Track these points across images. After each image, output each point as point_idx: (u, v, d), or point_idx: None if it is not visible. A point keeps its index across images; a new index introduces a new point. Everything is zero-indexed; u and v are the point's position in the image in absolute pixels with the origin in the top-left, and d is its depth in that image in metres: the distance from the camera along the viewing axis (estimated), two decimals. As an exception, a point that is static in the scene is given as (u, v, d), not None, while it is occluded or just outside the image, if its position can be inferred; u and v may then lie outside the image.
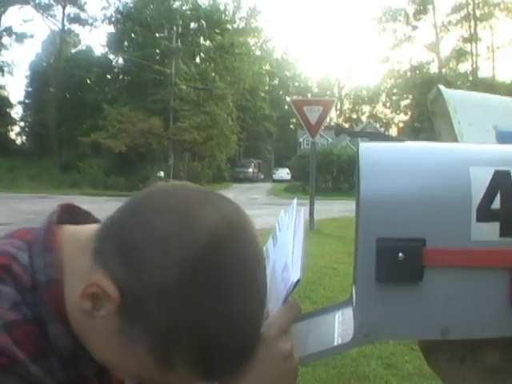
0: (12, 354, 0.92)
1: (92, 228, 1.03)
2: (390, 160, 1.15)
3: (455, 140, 1.67)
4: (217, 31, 59.50)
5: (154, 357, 0.94)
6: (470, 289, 1.11)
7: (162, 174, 43.48)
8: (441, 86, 1.83)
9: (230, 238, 0.94)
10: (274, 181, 67.63)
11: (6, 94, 61.46)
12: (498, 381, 1.28)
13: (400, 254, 1.07)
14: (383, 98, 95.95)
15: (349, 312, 1.31)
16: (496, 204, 1.09)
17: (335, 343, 1.21)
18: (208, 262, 0.91)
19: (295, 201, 1.32)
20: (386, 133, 78.43)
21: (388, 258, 1.08)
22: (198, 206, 0.96)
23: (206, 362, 0.95)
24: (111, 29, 61.30)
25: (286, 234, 1.19)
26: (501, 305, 1.12)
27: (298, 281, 1.03)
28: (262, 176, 74.28)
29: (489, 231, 1.10)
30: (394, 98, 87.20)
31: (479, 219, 1.09)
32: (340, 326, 1.31)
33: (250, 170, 68.72)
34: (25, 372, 0.94)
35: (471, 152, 1.22)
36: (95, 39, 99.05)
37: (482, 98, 1.96)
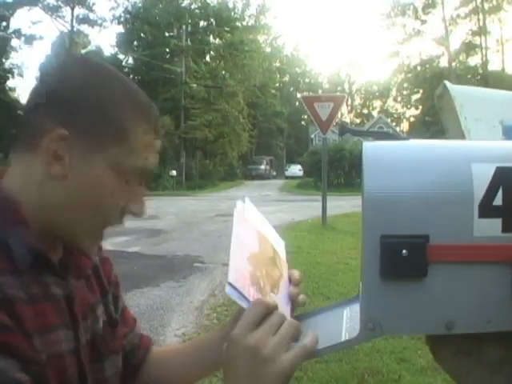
0: None
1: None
2: (393, 158, 1.17)
3: (462, 135, 1.68)
4: (226, 29, 59.48)
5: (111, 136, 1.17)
6: (474, 283, 1.13)
7: (174, 172, 43.47)
8: (447, 82, 1.84)
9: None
10: (287, 177, 67.60)
11: (16, 96, 61.54)
12: (504, 374, 1.29)
13: (404, 251, 1.09)
14: (394, 92, 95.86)
15: (357, 308, 1.33)
16: (498, 200, 1.11)
17: (342, 339, 1.23)
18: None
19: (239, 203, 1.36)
20: (397, 127, 78.21)
21: (392, 254, 1.09)
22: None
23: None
24: (120, 29, 61.56)
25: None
26: (504, 299, 1.13)
27: (229, 284, 1.07)
28: (274, 173, 74.22)
29: (491, 227, 1.11)
30: (404, 92, 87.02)
31: (481, 215, 1.10)
32: (348, 321, 1.33)
33: (262, 166, 68.63)
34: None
35: (473, 148, 1.23)
36: (104, 39, 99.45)
37: (488, 94, 1.96)
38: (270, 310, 1.09)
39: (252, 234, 1.30)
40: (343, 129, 1.72)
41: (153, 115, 1.25)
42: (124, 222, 1.26)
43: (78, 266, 1.28)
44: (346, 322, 1.33)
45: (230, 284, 1.07)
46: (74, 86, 1.16)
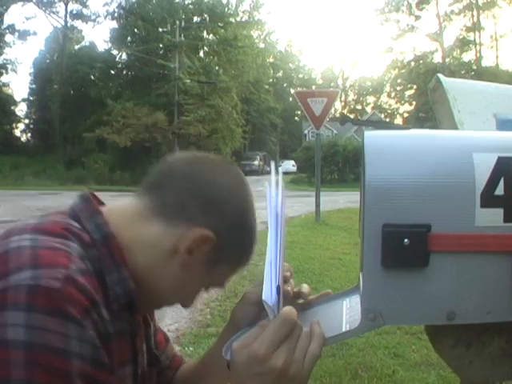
0: (92, 295, 1.05)
1: (122, 204, 1.28)
2: (395, 147, 1.16)
3: (455, 128, 1.68)
4: (220, 25, 59.28)
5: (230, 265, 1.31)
6: (475, 273, 1.13)
7: (167, 168, 43.41)
8: (440, 75, 1.84)
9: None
10: (280, 173, 67.51)
11: (10, 91, 61.38)
12: (504, 365, 1.29)
13: (405, 240, 1.09)
14: (387, 88, 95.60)
15: (356, 299, 1.33)
16: (500, 190, 1.11)
17: (343, 329, 1.23)
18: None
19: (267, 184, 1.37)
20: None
21: (394, 243, 1.09)
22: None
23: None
24: (114, 24, 61.24)
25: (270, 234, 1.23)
26: (505, 289, 1.13)
27: (278, 287, 1.10)
28: (268, 168, 73.96)
29: (493, 217, 1.11)
30: (398, 88, 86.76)
31: (483, 205, 1.10)
32: (348, 312, 1.32)
33: (256, 162, 68.49)
34: (97, 316, 1.06)
35: (474, 138, 1.23)
36: (98, 35, 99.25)
37: (481, 87, 1.97)
38: (294, 326, 1.10)
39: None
40: (344, 118, 1.72)
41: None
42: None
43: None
44: (345, 312, 1.33)
45: (278, 287, 1.11)
46: (233, 200, 1.28)
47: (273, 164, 1.41)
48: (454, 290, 1.12)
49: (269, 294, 1.10)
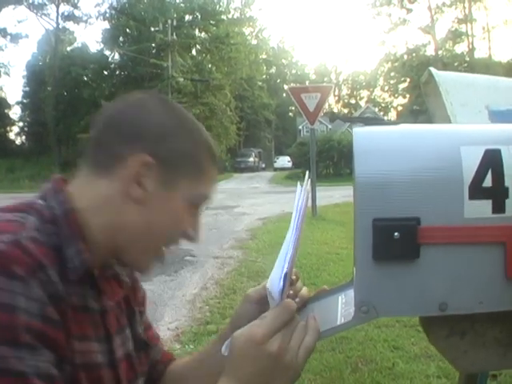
0: (38, 258, 1.08)
1: (82, 179, 1.30)
2: (383, 143, 1.18)
3: (448, 121, 1.70)
4: (212, 22, 59.32)
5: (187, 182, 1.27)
6: (466, 264, 1.14)
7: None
8: (432, 68, 1.86)
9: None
10: (276, 169, 67.62)
11: (3, 94, 61.50)
12: (498, 354, 1.31)
13: (396, 233, 1.10)
14: (381, 82, 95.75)
15: (351, 293, 1.34)
16: (487, 182, 1.12)
17: (338, 323, 1.25)
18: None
19: (299, 185, 1.36)
20: (385, 117, 78.24)
21: (384, 237, 1.11)
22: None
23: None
24: (106, 25, 61.30)
25: (291, 226, 1.24)
26: (496, 279, 1.15)
27: (285, 274, 1.10)
28: (263, 165, 74.17)
29: (481, 208, 1.12)
30: (391, 81, 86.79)
31: (471, 197, 1.12)
32: (343, 306, 1.34)
33: (251, 159, 68.55)
34: (45, 276, 1.08)
35: (461, 132, 1.25)
36: (90, 36, 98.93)
37: (473, 79, 1.98)
38: (292, 316, 1.14)
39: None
40: (333, 115, 1.74)
41: (215, 150, 1.37)
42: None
43: (111, 292, 1.34)
44: (341, 306, 1.35)
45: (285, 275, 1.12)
46: (159, 121, 1.26)
47: (307, 173, 1.40)
48: (446, 281, 1.14)
49: (275, 282, 1.13)
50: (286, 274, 1.11)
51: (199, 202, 1.32)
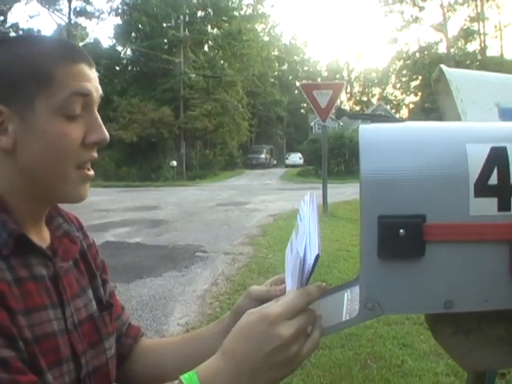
0: None
1: None
2: (389, 140, 1.18)
3: (459, 118, 1.69)
4: (224, 19, 59.32)
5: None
6: (471, 262, 1.14)
7: (174, 163, 43.41)
8: (443, 66, 1.85)
9: None
10: (287, 166, 67.55)
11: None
12: (503, 352, 1.31)
13: (401, 231, 1.10)
14: (393, 79, 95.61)
15: (357, 290, 1.34)
16: (493, 180, 1.12)
17: (343, 319, 1.25)
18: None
19: (308, 194, 1.36)
20: (397, 115, 78.09)
21: (389, 234, 1.11)
22: None
23: None
24: (118, 20, 61.43)
25: (303, 223, 1.24)
26: (501, 277, 1.15)
27: (318, 256, 1.07)
28: (275, 162, 74.17)
29: (487, 206, 1.12)
30: (403, 79, 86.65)
31: (477, 195, 1.12)
32: (349, 303, 1.34)
33: (263, 155, 68.56)
34: None
35: (467, 129, 1.25)
36: (102, 32, 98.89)
37: (483, 77, 1.97)
38: (310, 304, 1.11)
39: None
40: (340, 112, 1.73)
41: (69, 46, 1.26)
42: (96, 154, 1.28)
43: (65, 250, 1.32)
44: (346, 303, 1.35)
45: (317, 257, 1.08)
46: None
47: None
48: (451, 279, 1.14)
49: (308, 257, 1.08)
50: (317, 256, 1.07)
51: (72, 105, 1.20)
